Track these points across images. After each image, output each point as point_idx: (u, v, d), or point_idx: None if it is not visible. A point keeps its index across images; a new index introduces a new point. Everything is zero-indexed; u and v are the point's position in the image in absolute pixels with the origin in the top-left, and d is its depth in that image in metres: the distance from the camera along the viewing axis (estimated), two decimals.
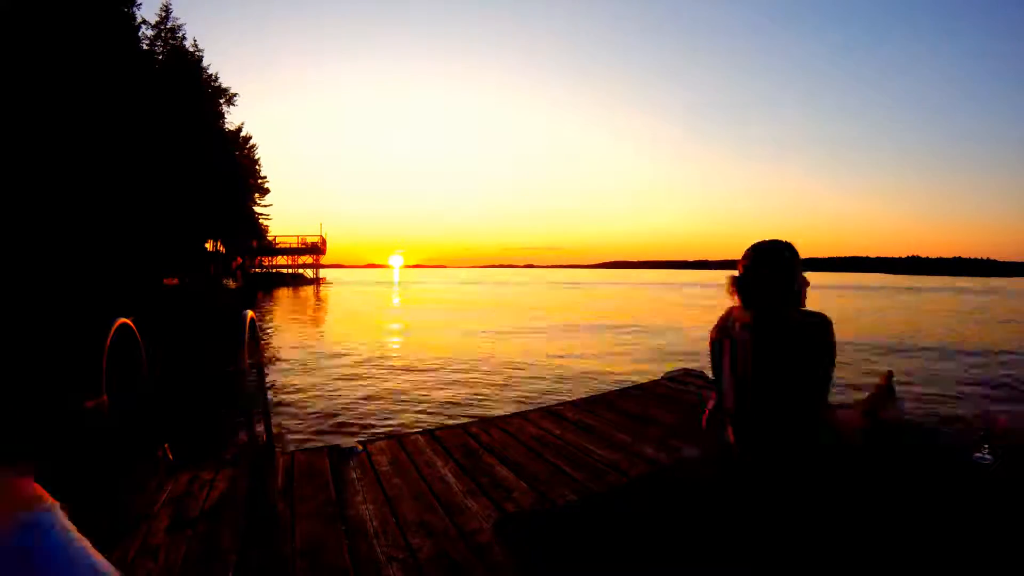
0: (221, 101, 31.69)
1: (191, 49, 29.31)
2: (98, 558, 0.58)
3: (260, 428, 2.91)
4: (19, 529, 0.51)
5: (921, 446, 2.58)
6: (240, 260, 35.34)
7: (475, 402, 6.25)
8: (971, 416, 5.81)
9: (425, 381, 7.40)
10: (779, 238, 1.54)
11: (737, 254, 1.60)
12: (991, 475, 2.23)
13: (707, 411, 1.83)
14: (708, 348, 1.70)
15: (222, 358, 8.47)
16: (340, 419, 5.48)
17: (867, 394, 2.49)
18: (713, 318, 1.69)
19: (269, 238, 39.25)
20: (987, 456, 2.29)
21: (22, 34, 16.91)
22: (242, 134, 36.69)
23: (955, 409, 6.29)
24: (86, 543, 0.59)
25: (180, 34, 28.76)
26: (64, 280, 16.11)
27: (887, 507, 2.00)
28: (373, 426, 5.22)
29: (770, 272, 1.47)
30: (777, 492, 1.62)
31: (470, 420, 4.17)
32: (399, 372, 8.10)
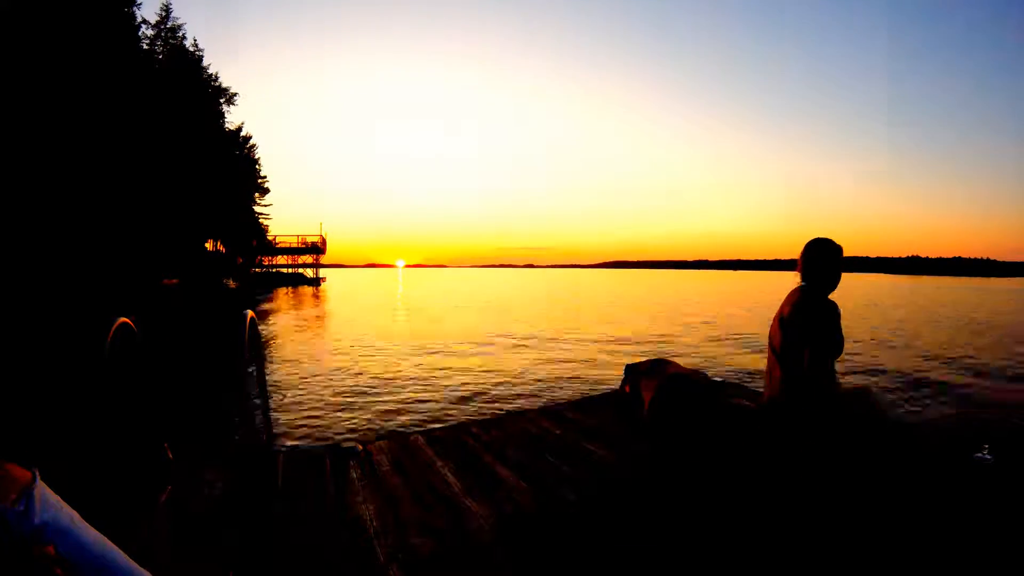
0: (221, 101, 31.67)
1: (191, 49, 29.31)
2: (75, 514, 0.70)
3: (260, 427, 2.90)
4: (20, 498, 0.66)
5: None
6: (240, 260, 35.33)
7: None
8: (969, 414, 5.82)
9: None
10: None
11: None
12: (992, 475, 2.24)
13: None
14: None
15: (222, 358, 8.47)
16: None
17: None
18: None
19: (269, 238, 39.25)
20: (987, 456, 2.31)
21: (22, 34, 16.90)
22: (242, 134, 36.67)
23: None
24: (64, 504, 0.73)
25: (180, 34, 28.76)
26: (64, 280, 16.10)
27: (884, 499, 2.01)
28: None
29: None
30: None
31: (470, 420, 4.17)
32: None
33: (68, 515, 0.74)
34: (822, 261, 1.87)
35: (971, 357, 9.95)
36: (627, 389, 3.81)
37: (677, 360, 4.19)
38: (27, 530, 0.65)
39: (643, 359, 4.18)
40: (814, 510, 1.88)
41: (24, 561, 0.62)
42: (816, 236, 1.93)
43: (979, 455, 2.32)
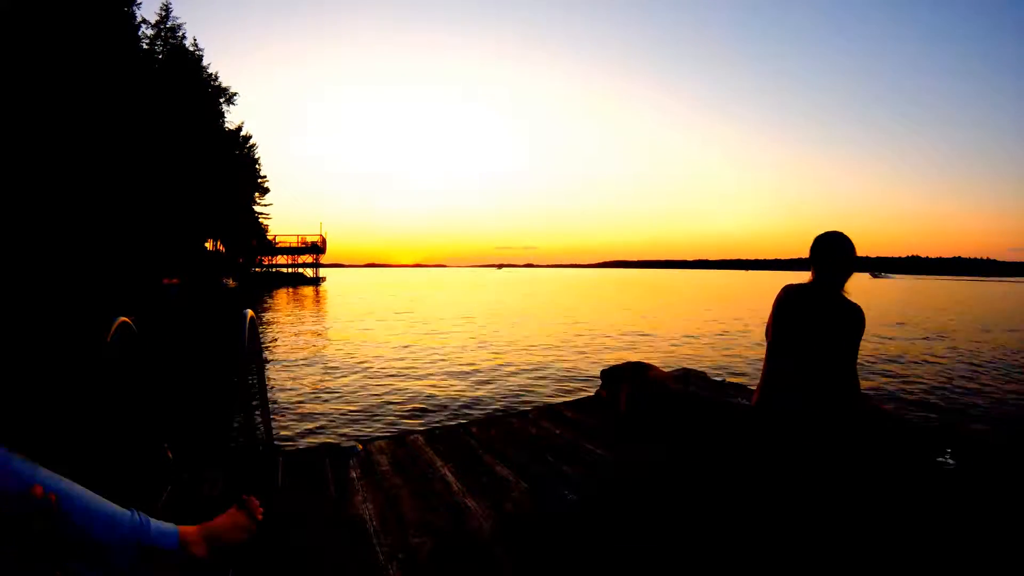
0: (221, 101, 31.68)
1: (191, 49, 29.32)
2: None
3: (259, 426, 2.91)
4: None
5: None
6: (240, 260, 35.35)
7: None
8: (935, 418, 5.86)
9: None
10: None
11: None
12: (954, 479, 2.25)
13: None
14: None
15: (221, 357, 8.47)
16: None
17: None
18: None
19: (269, 238, 39.31)
20: (950, 461, 2.32)
21: (22, 34, 16.89)
22: (242, 133, 36.66)
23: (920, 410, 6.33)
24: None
25: (180, 33, 28.79)
26: (64, 280, 16.09)
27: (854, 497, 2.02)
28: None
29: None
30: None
31: (470, 420, 4.17)
32: None
33: (31, 467, 0.75)
34: (849, 256, 1.69)
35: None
36: (604, 394, 3.79)
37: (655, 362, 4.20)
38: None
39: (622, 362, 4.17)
40: (808, 511, 1.87)
41: (19, 506, 0.63)
42: (826, 230, 1.74)
43: (942, 459, 2.33)
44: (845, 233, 1.71)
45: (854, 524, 1.93)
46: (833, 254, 1.69)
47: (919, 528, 1.94)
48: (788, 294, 1.80)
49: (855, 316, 1.65)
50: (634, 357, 8.93)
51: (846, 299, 1.69)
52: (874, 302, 26.01)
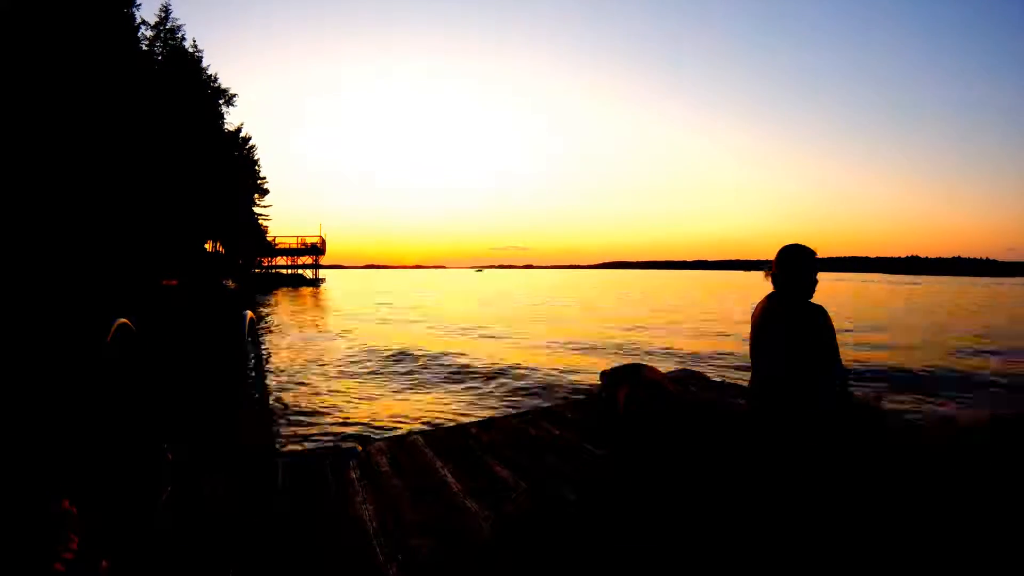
0: (220, 102, 31.68)
1: (190, 49, 29.33)
2: None
3: (259, 428, 2.90)
4: None
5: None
6: (240, 261, 35.34)
7: None
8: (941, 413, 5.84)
9: None
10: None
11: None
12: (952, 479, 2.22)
13: None
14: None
15: (221, 358, 8.46)
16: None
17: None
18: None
19: (269, 238, 39.28)
20: (949, 460, 2.29)
21: (22, 34, 16.90)
22: (241, 135, 36.65)
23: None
24: None
25: (180, 34, 28.79)
26: (64, 280, 16.09)
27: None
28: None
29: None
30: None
31: (470, 421, 4.17)
32: None
33: None
34: (805, 267, 1.82)
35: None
36: (603, 395, 3.81)
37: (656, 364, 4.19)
38: None
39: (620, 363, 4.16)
40: (803, 511, 1.87)
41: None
42: (789, 243, 1.89)
43: (941, 458, 2.26)
44: (806, 245, 1.87)
45: (849, 522, 1.93)
46: (796, 266, 1.84)
47: (914, 527, 1.94)
48: (762, 306, 1.94)
49: (819, 316, 1.79)
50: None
51: (810, 303, 1.83)
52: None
